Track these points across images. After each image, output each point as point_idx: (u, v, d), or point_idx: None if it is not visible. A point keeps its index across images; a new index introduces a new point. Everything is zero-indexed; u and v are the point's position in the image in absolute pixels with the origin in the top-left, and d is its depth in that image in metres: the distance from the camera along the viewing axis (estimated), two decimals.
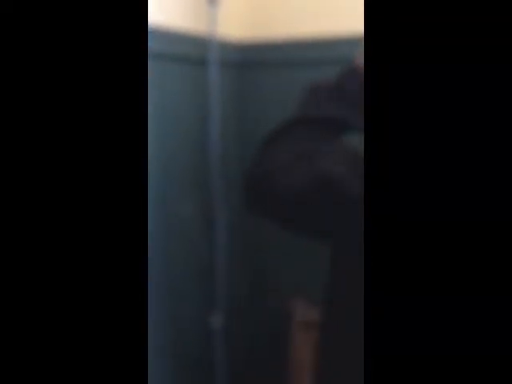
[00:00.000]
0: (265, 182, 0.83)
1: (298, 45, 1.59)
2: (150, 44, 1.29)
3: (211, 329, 1.58)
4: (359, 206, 0.74)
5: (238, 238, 1.68)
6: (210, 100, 1.51)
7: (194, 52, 1.47)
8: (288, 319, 1.51)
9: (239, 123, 1.66)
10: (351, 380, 0.84)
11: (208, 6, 1.47)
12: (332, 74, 0.97)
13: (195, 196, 1.52)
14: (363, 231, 0.63)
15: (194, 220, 1.52)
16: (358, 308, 0.73)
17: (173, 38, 1.39)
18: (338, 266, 0.88)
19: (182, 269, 1.48)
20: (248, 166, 0.87)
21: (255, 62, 1.65)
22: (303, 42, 1.59)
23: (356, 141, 0.84)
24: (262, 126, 1.52)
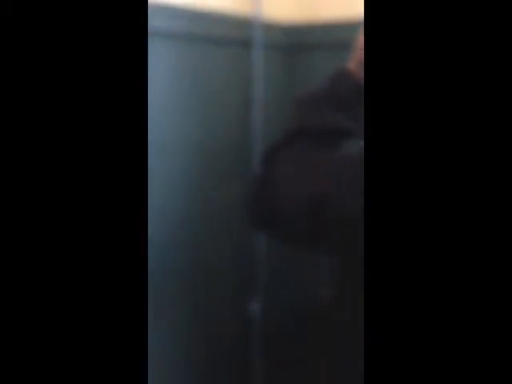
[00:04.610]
0: (265, 200, 0.84)
1: (346, 26, 1.54)
2: (191, 26, 1.29)
3: (248, 317, 1.56)
4: (357, 219, 0.74)
5: None
6: (254, 84, 1.49)
7: (238, 34, 1.44)
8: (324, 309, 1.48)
9: (284, 109, 1.59)
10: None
11: None
12: None
13: (236, 182, 1.50)
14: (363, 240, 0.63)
15: (234, 206, 1.49)
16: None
17: (216, 19, 1.36)
18: (343, 278, 0.90)
19: (220, 255, 1.46)
20: (251, 181, 0.88)
21: (302, 45, 1.61)
22: (351, 24, 1.54)
23: (357, 147, 0.81)
24: None
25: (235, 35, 1.43)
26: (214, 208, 1.42)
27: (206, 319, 1.43)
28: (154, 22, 1.20)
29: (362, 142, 0.78)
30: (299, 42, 1.60)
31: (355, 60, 0.90)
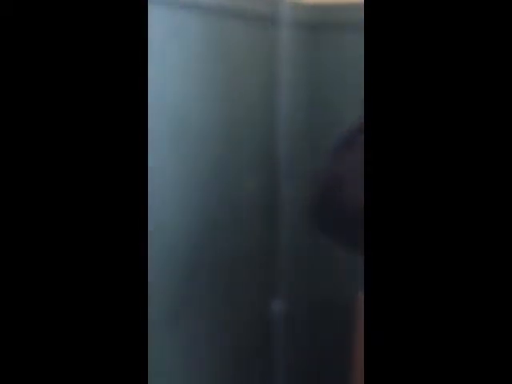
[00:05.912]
0: (330, 200, 0.84)
1: None
2: (215, 1, 1.27)
3: (271, 316, 1.52)
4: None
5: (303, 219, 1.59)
6: (279, 63, 1.47)
7: (264, 10, 1.43)
8: (351, 308, 1.43)
9: (311, 89, 1.59)
10: None
11: None
12: None
13: (260, 170, 1.47)
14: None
15: (257, 197, 1.46)
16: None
17: None
18: None
19: (242, 252, 1.42)
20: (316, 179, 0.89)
21: (328, 23, 1.58)
22: None
23: None
24: (336, 93, 1.55)
25: (261, 11, 1.42)
26: (235, 200, 1.39)
27: (228, 319, 1.40)
28: None
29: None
30: (326, 21, 1.58)
31: None
